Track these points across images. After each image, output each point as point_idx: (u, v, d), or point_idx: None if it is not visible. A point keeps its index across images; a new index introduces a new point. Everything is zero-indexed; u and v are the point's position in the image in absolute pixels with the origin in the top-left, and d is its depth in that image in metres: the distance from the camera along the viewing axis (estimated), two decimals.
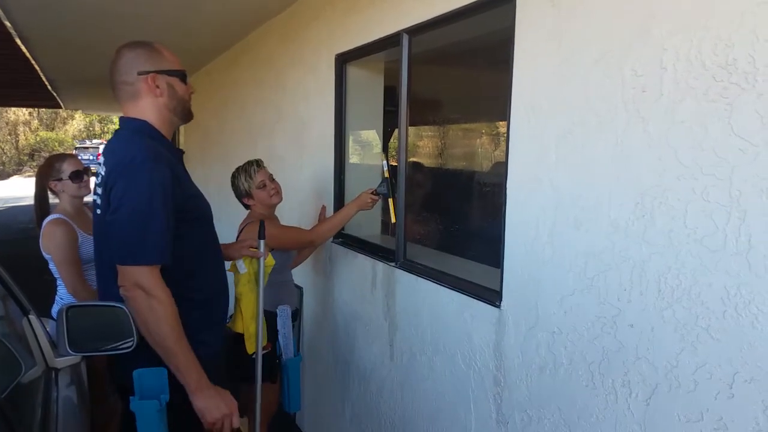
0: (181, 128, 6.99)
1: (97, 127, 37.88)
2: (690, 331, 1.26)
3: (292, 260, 2.95)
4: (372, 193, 2.65)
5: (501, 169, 1.83)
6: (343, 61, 2.96)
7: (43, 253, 2.76)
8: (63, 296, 2.78)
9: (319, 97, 3.23)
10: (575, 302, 1.56)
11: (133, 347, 1.99)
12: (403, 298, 2.45)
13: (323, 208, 3.08)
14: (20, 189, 21.20)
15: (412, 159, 3.48)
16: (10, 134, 34.77)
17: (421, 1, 2.18)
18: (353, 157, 3.13)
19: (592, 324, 1.50)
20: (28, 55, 5.58)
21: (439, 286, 2.18)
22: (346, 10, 2.83)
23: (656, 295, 1.33)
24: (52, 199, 2.94)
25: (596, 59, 1.45)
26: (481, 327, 1.94)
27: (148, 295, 1.63)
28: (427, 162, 5.27)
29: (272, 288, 2.60)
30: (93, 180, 3.45)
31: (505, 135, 1.79)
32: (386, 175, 2.59)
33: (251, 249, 2.31)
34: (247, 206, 2.83)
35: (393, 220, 2.55)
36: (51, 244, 2.71)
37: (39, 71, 6.85)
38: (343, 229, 2.91)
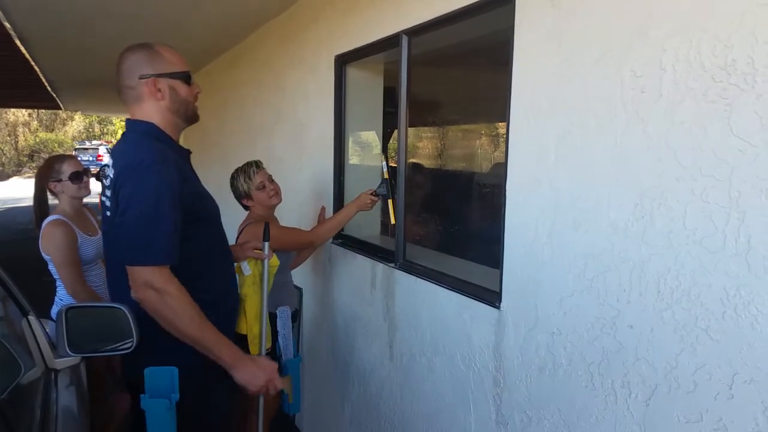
0: None
1: (97, 128, 37.88)
2: (689, 332, 1.26)
3: (291, 261, 2.95)
4: (371, 194, 2.65)
5: (500, 170, 1.83)
6: (342, 62, 2.96)
7: (43, 254, 2.76)
8: (62, 297, 2.78)
9: (318, 98, 3.24)
10: (575, 303, 1.56)
11: (132, 348, 1.99)
12: (402, 299, 2.45)
13: (323, 209, 3.08)
14: (19, 190, 21.18)
15: (411, 160, 3.48)
16: (9, 135, 34.77)
17: (421, 2, 2.18)
18: (353, 158, 3.13)
19: (592, 325, 1.50)
20: (27, 56, 5.58)
21: (438, 287, 2.18)
22: (346, 11, 2.83)
23: (656, 296, 1.33)
24: (52, 200, 2.94)
25: (596, 60, 1.45)
26: (480, 328, 1.94)
27: (159, 293, 1.65)
28: (426, 163, 5.27)
29: (272, 289, 2.60)
30: (93, 181, 3.45)
31: (505, 136, 1.79)
32: (386, 176, 2.59)
33: (256, 251, 2.31)
34: (246, 207, 2.82)
35: (392, 221, 2.55)
36: (50, 245, 2.71)
37: (39, 72, 6.85)
38: (342, 229, 2.92)
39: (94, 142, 31.90)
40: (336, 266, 3.10)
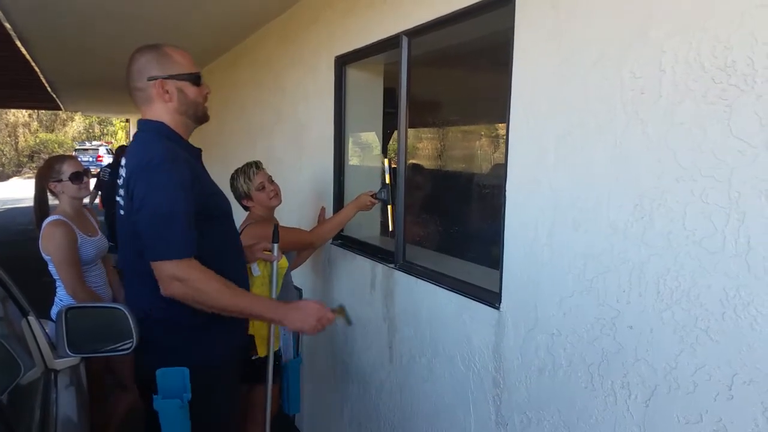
0: None
1: (97, 129, 37.89)
2: (689, 333, 1.26)
3: (291, 262, 2.95)
4: (372, 196, 2.66)
5: (500, 171, 1.83)
6: (342, 62, 2.96)
7: (43, 255, 2.76)
8: (62, 298, 2.78)
9: (318, 98, 3.24)
10: (574, 304, 1.56)
11: (132, 348, 2.00)
12: (402, 300, 2.45)
13: (322, 209, 3.08)
14: (19, 190, 21.18)
15: (411, 161, 3.48)
16: (9, 136, 34.76)
17: (421, 3, 2.18)
18: (353, 159, 3.13)
19: (591, 326, 1.50)
20: (27, 56, 5.58)
21: (438, 287, 2.18)
22: (346, 11, 2.83)
23: (655, 297, 1.33)
24: (52, 201, 2.94)
25: (595, 61, 1.46)
26: (480, 329, 1.94)
27: (185, 282, 1.68)
28: (426, 164, 5.27)
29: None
30: (93, 181, 3.45)
31: (505, 137, 1.79)
32: (387, 181, 2.59)
33: (265, 252, 2.31)
34: (246, 208, 2.83)
35: (391, 228, 2.55)
36: (50, 245, 2.72)
37: (39, 73, 6.85)
38: (342, 230, 2.92)
39: (94, 142, 31.88)
40: (336, 267, 3.10)
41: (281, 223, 2.93)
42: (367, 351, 2.76)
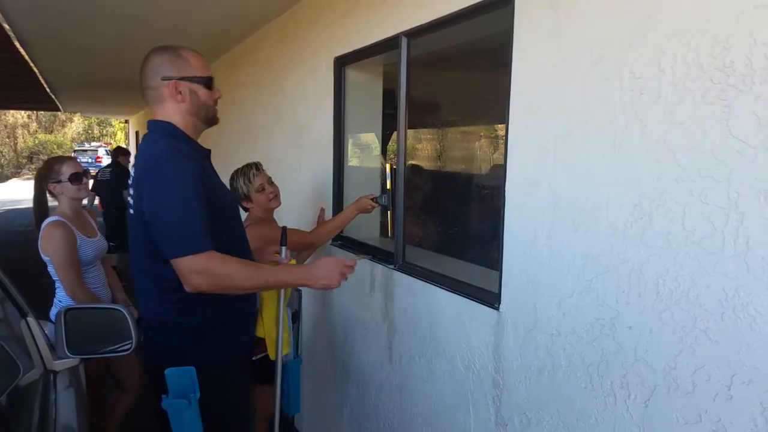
0: None
1: (96, 130, 37.86)
2: (688, 333, 1.26)
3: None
4: (372, 199, 2.66)
5: (499, 171, 1.83)
6: (342, 63, 2.96)
7: (42, 255, 2.76)
8: (62, 299, 2.78)
9: (318, 99, 3.24)
10: (574, 304, 1.56)
11: (131, 349, 2.00)
12: (401, 301, 2.45)
13: (322, 210, 3.08)
14: (18, 192, 21.17)
15: (410, 162, 3.48)
16: (8, 137, 34.75)
17: (420, 3, 2.18)
18: (352, 160, 3.13)
19: (591, 326, 1.50)
20: (26, 57, 5.58)
21: (437, 288, 2.18)
22: (345, 12, 2.83)
23: (654, 297, 1.33)
24: (51, 202, 2.94)
25: (594, 61, 1.46)
26: (479, 329, 1.94)
27: (204, 273, 1.70)
28: (425, 165, 5.28)
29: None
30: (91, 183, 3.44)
31: (504, 137, 1.79)
32: (389, 186, 2.60)
33: (275, 255, 2.33)
34: (245, 209, 2.83)
35: (391, 234, 2.56)
36: (50, 246, 2.71)
37: (38, 74, 6.85)
38: (342, 231, 2.91)
39: (93, 143, 31.86)
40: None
41: (280, 224, 2.94)
42: (367, 351, 2.76)
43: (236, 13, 3.82)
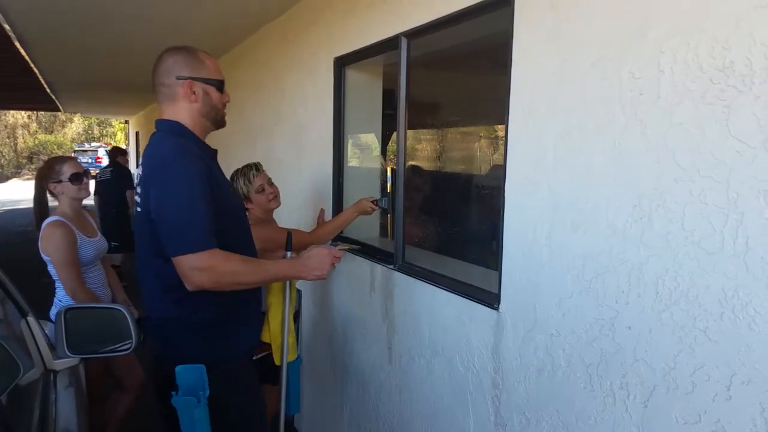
0: None
1: (96, 131, 37.86)
2: (688, 333, 1.26)
3: None
4: (372, 202, 2.67)
5: (499, 172, 1.83)
6: (341, 64, 2.96)
7: (42, 255, 2.76)
8: (62, 298, 2.78)
9: (317, 99, 3.24)
10: (573, 304, 1.56)
11: (131, 349, 2.00)
12: (401, 301, 2.45)
13: (321, 210, 3.08)
14: (18, 192, 21.17)
15: (410, 162, 3.48)
16: (8, 137, 34.75)
17: (420, 4, 2.18)
18: (352, 160, 3.13)
19: (590, 326, 1.51)
20: (27, 58, 5.58)
21: (437, 288, 2.18)
22: (345, 13, 2.83)
23: (654, 298, 1.33)
24: (52, 202, 2.94)
25: (594, 61, 1.46)
26: (479, 329, 1.94)
27: (210, 272, 1.72)
28: (425, 165, 5.27)
29: None
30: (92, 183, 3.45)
31: (504, 138, 1.80)
32: (389, 190, 2.61)
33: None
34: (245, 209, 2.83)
35: (390, 237, 2.57)
36: (50, 245, 2.72)
37: (38, 74, 6.85)
38: (341, 231, 2.92)
39: (93, 144, 31.87)
40: (335, 268, 3.09)
41: (280, 224, 2.94)
42: (367, 352, 2.76)
43: (236, 13, 3.83)
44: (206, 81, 1.90)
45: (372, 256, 2.71)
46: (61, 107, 12.62)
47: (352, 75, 3.00)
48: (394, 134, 2.54)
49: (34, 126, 36.28)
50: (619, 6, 1.39)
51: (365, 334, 2.76)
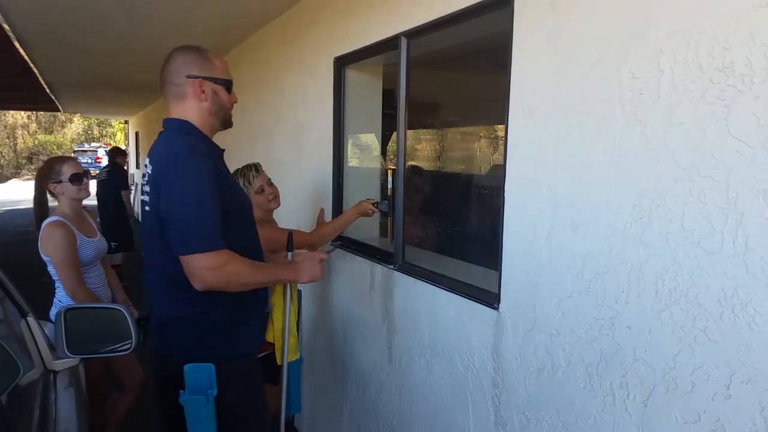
0: None
1: (96, 131, 37.86)
2: (687, 333, 1.26)
3: None
4: (373, 204, 2.67)
5: (499, 172, 1.83)
6: (341, 64, 2.96)
7: (42, 255, 2.76)
8: (62, 299, 2.78)
9: (317, 99, 3.24)
10: (573, 304, 1.56)
11: (131, 349, 2.00)
12: (401, 301, 2.45)
13: (321, 210, 3.08)
14: (18, 192, 21.18)
15: (410, 162, 3.48)
16: (8, 137, 34.75)
17: (420, 4, 2.18)
18: (352, 161, 3.13)
19: (590, 326, 1.51)
20: (26, 58, 5.58)
21: (437, 288, 2.18)
22: (345, 13, 2.84)
23: (654, 297, 1.33)
24: (52, 202, 2.94)
25: (594, 62, 1.46)
26: (479, 329, 1.94)
27: (218, 271, 1.74)
28: (425, 165, 5.27)
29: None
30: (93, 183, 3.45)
31: (503, 138, 1.80)
32: (389, 193, 2.61)
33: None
34: None
35: (390, 240, 2.58)
36: (50, 245, 2.72)
37: (37, 74, 6.85)
38: (342, 232, 2.92)
39: (93, 144, 31.91)
40: (335, 268, 3.10)
41: (280, 225, 2.94)
42: (367, 351, 2.76)
43: (236, 13, 3.83)
44: (216, 81, 1.92)
45: (372, 256, 2.71)
46: (60, 107, 12.61)
47: (352, 75, 3.00)
48: (394, 134, 2.54)
49: (33, 126, 36.28)
50: (619, 6, 1.39)
51: (365, 334, 2.77)
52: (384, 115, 3.08)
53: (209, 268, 1.72)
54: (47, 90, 8.58)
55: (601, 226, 1.46)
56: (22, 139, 35.28)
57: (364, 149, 3.22)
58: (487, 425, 1.92)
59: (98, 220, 3.65)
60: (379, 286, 2.63)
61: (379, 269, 2.62)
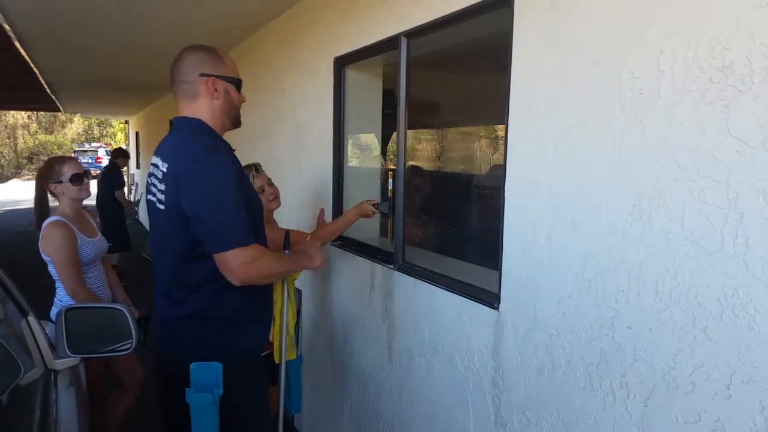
0: None
1: (96, 131, 37.87)
2: (688, 333, 1.26)
3: None
4: (373, 205, 2.67)
5: (499, 172, 1.83)
6: (341, 64, 2.96)
7: (43, 255, 2.76)
8: (62, 298, 2.78)
9: (317, 99, 3.24)
10: (573, 304, 1.56)
11: (132, 349, 2.00)
12: (401, 301, 2.45)
13: (321, 210, 3.08)
14: (19, 192, 21.19)
15: (410, 162, 3.49)
16: (8, 138, 34.76)
17: (420, 4, 2.18)
18: (352, 161, 3.13)
19: (590, 326, 1.51)
20: (26, 57, 5.58)
21: (437, 288, 2.18)
22: (345, 12, 2.84)
23: (654, 297, 1.33)
24: (52, 202, 2.95)
25: (594, 62, 1.46)
26: (479, 329, 1.94)
27: (253, 264, 1.77)
28: (425, 165, 5.28)
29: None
30: (93, 183, 3.45)
31: (504, 138, 1.80)
32: (390, 195, 2.61)
33: None
34: None
35: (390, 240, 2.58)
36: (50, 245, 2.72)
37: (38, 74, 6.85)
38: (342, 232, 2.92)
39: (93, 144, 31.93)
40: (335, 268, 3.10)
41: (280, 225, 2.94)
42: (367, 351, 2.76)
43: (236, 13, 3.83)
44: (228, 79, 1.92)
45: (372, 255, 2.71)
46: (61, 107, 12.62)
47: (352, 75, 3.00)
48: (394, 134, 2.54)
49: (34, 126, 36.29)
50: (619, 6, 1.39)
51: (365, 333, 2.77)
52: (384, 115, 3.08)
53: (246, 263, 1.74)
54: (47, 90, 8.59)
55: (601, 225, 1.46)
56: (23, 139, 35.29)
57: (364, 149, 3.22)
58: (488, 425, 1.92)
59: (98, 220, 3.64)
60: (379, 286, 2.63)
61: (380, 269, 2.62)
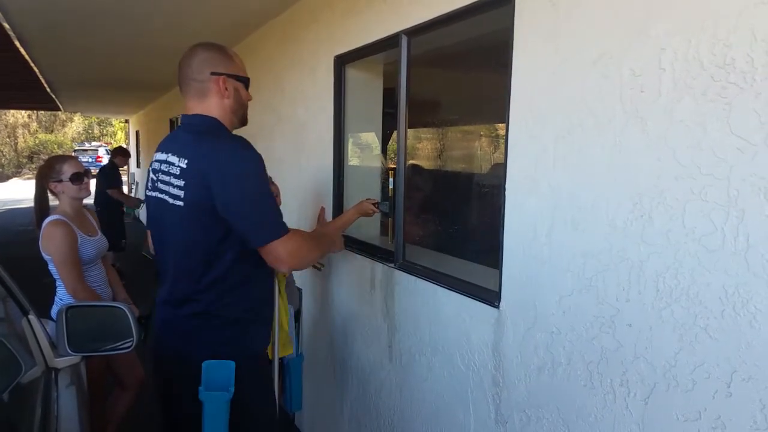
0: None
1: (96, 130, 37.89)
2: (688, 331, 1.26)
3: None
4: (374, 204, 2.67)
5: (499, 170, 1.83)
6: (342, 62, 2.96)
7: (43, 254, 2.76)
8: (63, 297, 2.78)
9: (317, 98, 3.24)
10: (573, 302, 1.56)
11: (132, 347, 2.00)
12: (402, 299, 2.45)
13: (322, 209, 3.08)
14: (19, 191, 21.19)
15: (411, 161, 3.48)
16: (9, 137, 34.77)
17: (420, 2, 2.18)
18: (352, 159, 3.13)
19: (591, 324, 1.51)
20: (27, 57, 5.58)
21: (438, 287, 2.18)
22: (345, 11, 2.83)
23: (654, 295, 1.33)
24: (52, 201, 2.95)
25: (595, 60, 1.46)
26: (479, 327, 1.94)
27: (298, 251, 1.84)
28: (426, 164, 5.28)
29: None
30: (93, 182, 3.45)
31: (504, 136, 1.80)
32: (390, 194, 2.61)
33: None
34: None
35: (390, 240, 2.58)
36: (51, 244, 2.72)
37: (38, 73, 6.86)
38: (342, 232, 2.92)
39: (93, 143, 31.92)
40: (335, 266, 3.10)
41: None
42: (367, 350, 2.76)
43: (236, 12, 3.83)
44: (237, 78, 1.93)
45: (372, 254, 2.71)
46: (61, 106, 12.63)
47: (352, 74, 3.00)
48: (395, 133, 2.54)
49: (34, 125, 36.30)
50: (620, 4, 1.39)
51: (366, 332, 2.77)
52: (384, 114, 3.07)
53: (291, 252, 1.79)
54: (48, 89, 8.59)
55: (601, 223, 1.46)
56: (23, 138, 35.30)
57: (365, 148, 3.22)
58: (488, 423, 1.92)
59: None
60: (379, 285, 2.63)
61: (380, 268, 2.62)
